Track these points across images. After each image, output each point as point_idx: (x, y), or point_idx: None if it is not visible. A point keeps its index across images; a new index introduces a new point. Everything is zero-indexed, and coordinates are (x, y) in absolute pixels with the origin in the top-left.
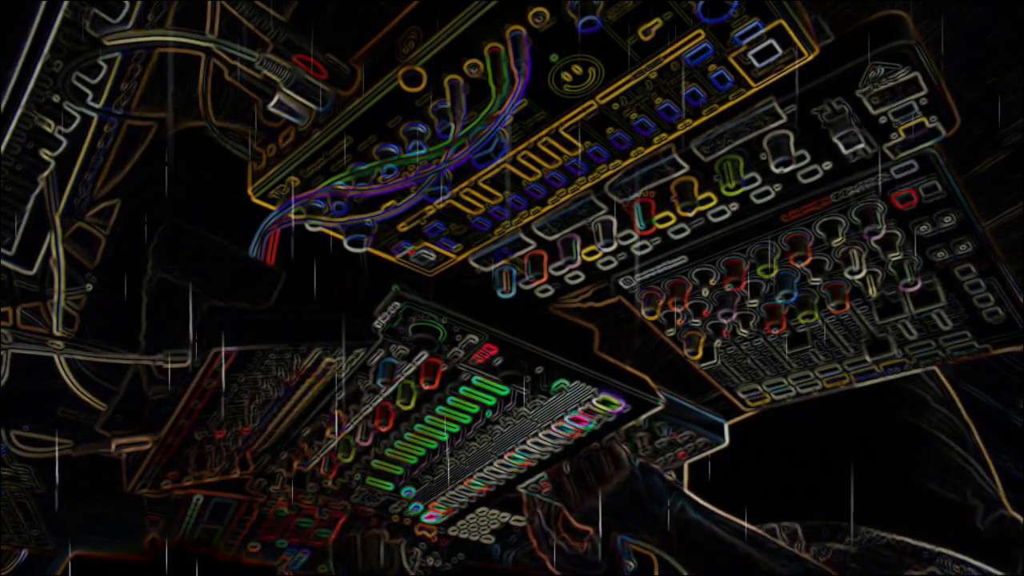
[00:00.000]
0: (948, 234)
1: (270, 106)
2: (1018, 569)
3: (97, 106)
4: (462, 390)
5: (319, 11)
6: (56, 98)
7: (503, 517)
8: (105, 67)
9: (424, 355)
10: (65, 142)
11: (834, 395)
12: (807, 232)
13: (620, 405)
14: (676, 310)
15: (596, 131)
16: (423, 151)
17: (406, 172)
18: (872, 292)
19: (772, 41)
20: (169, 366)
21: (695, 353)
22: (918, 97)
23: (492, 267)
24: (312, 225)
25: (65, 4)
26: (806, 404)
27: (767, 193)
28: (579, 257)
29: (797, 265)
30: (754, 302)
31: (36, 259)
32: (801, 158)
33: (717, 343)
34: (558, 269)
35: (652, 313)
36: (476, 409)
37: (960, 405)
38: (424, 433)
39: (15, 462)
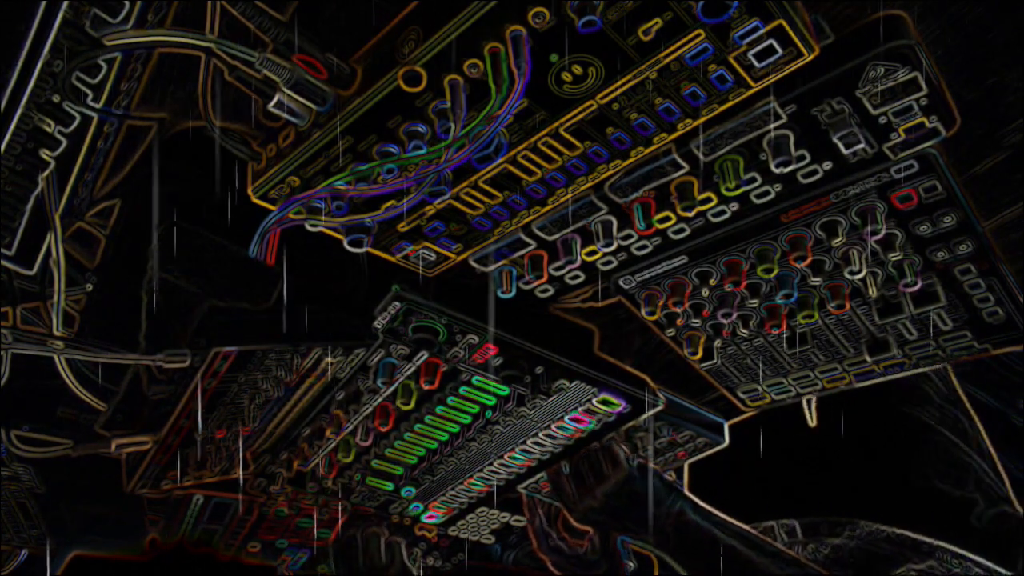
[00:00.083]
0: (948, 234)
1: (270, 106)
2: (1018, 566)
3: (97, 106)
4: (462, 390)
5: (319, 11)
6: (56, 98)
7: (503, 517)
8: (105, 67)
9: (424, 355)
10: (65, 142)
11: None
12: (807, 232)
13: (620, 405)
14: (676, 310)
15: (596, 131)
16: (423, 151)
17: (406, 172)
18: (872, 292)
19: (772, 41)
20: (168, 366)
21: (695, 353)
22: (918, 97)
23: (492, 267)
24: (312, 225)
25: (65, 4)
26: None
27: (767, 193)
28: (579, 257)
29: (797, 265)
30: (754, 302)
31: (36, 259)
32: (801, 158)
33: (717, 343)
34: (558, 269)
35: (652, 313)
36: (476, 409)
37: (965, 400)
38: (424, 433)
39: (15, 462)
